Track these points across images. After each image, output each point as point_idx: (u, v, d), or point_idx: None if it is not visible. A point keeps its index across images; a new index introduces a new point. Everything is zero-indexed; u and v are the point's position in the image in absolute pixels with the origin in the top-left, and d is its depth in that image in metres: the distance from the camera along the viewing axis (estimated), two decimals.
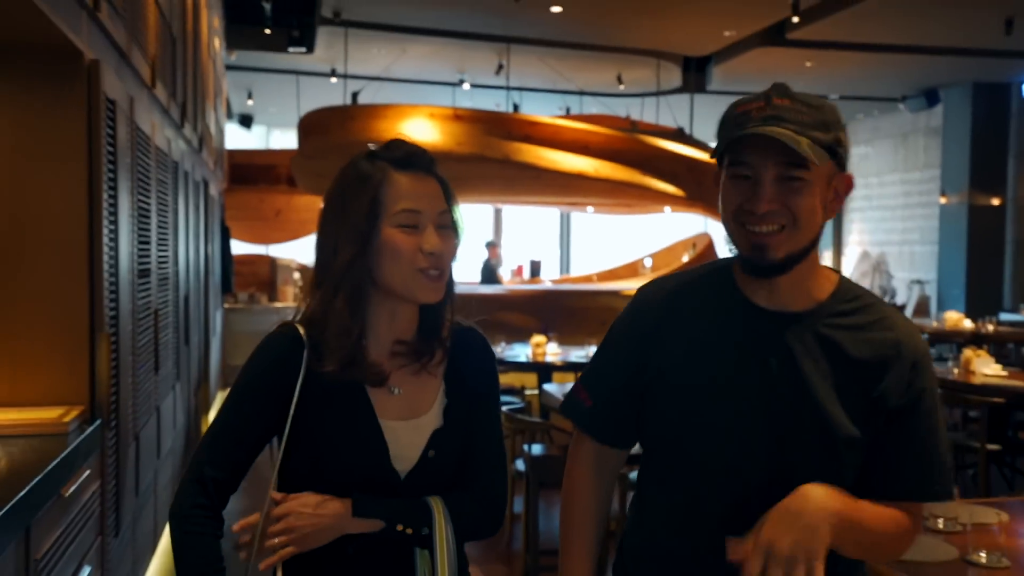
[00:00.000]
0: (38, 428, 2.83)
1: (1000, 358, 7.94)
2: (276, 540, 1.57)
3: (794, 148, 1.41)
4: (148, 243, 4.22)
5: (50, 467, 2.43)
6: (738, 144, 1.48)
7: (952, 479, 1.63)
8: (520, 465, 5.43)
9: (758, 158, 1.46)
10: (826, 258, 17.68)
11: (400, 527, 1.62)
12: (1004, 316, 11.78)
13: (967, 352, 6.78)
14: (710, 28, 11.02)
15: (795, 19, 9.75)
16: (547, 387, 6.24)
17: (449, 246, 1.63)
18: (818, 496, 1.39)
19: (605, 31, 11.42)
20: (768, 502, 1.45)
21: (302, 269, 13.04)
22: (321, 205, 1.68)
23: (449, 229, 1.64)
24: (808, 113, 1.47)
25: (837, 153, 1.49)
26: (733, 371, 1.57)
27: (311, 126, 10.92)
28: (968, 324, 10.10)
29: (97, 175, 3.24)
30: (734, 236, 1.54)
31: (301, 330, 1.65)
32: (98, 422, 3.00)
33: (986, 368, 6.59)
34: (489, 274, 13.89)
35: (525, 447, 5.36)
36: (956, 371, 6.74)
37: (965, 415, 7.63)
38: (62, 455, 2.57)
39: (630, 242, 17.97)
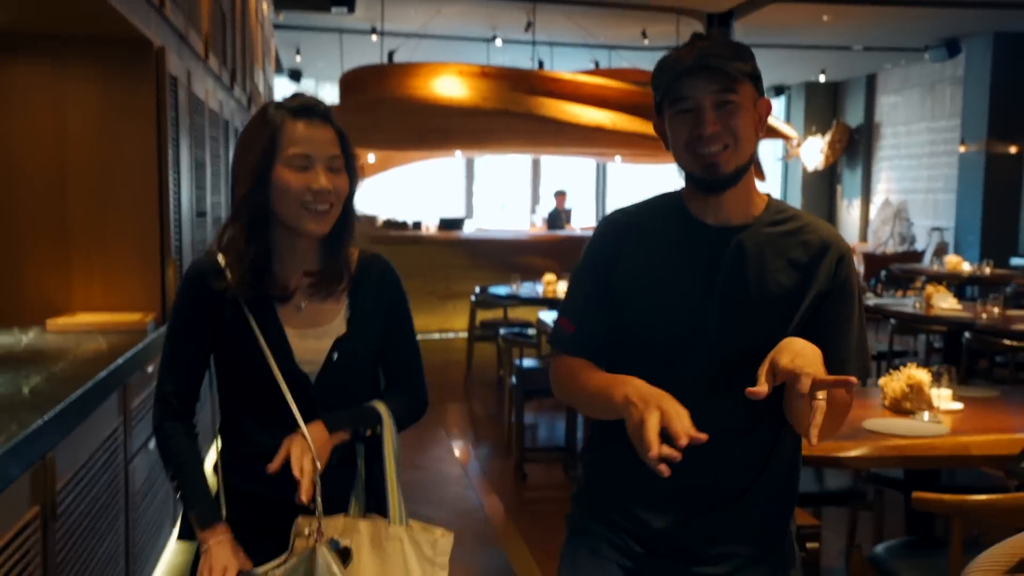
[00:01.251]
0: (126, 326, 3.40)
1: (1013, 299, 8.28)
2: (305, 483, 1.68)
3: (728, 72, 1.58)
4: (204, 189, 4.73)
5: (135, 350, 2.98)
6: (678, 83, 1.60)
7: (869, 363, 1.80)
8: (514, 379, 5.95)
9: (697, 92, 1.59)
10: (855, 206, 17.63)
11: (363, 430, 1.85)
12: (1015, 260, 12.02)
13: (928, 288, 7.18)
14: None
15: None
16: (542, 315, 6.75)
17: (338, 185, 1.74)
18: (802, 341, 1.52)
19: None
20: (724, 389, 1.63)
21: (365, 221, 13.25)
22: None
23: (340, 172, 1.75)
24: (727, 48, 1.63)
25: (756, 79, 1.66)
26: (689, 280, 1.69)
27: (350, 83, 11.08)
28: (967, 267, 10.41)
29: (164, 136, 3.77)
30: (686, 164, 1.67)
31: (220, 256, 1.78)
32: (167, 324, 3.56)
33: (943, 302, 6.96)
34: (555, 220, 14.00)
35: (516, 362, 6.00)
36: (918, 304, 7.15)
37: (930, 344, 8.01)
38: (143, 343, 3.11)
39: (663, 190, 17.66)
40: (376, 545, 1.78)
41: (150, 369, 3.27)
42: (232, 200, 1.79)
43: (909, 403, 3.33)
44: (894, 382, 3.42)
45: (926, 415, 3.28)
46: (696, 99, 1.59)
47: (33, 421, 2.16)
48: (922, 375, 3.35)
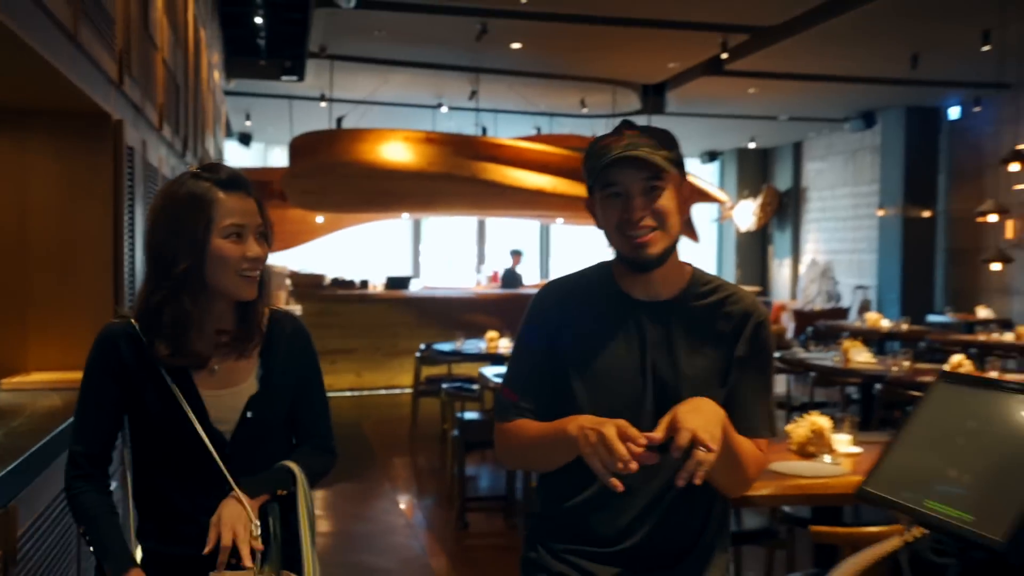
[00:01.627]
0: (79, 383, 3.37)
1: (927, 354, 8.43)
2: (244, 549, 1.65)
3: (655, 162, 1.62)
4: None
5: None
6: (608, 170, 1.65)
7: (775, 423, 1.83)
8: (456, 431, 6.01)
9: (626, 179, 1.63)
10: (786, 265, 17.93)
11: (280, 491, 1.79)
12: (932, 317, 12.21)
13: (846, 343, 7.40)
14: (656, 61, 11.29)
15: (724, 55, 10.13)
16: (483, 370, 6.73)
17: (265, 252, 1.77)
18: (710, 401, 1.56)
19: (563, 63, 11.62)
20: (662, 458, 1.56)
21: (292, 275, 13.01)
22: (154, 220, 1.77)
23: (264, 239, 1.77)
24: (654, 137, 1.68)
25: (680, 164, 1.71)
26: (624, 356, 1.71)
27: (300, 148, 11.04)
28: (885, 323, 10.65)
29: (120, 204, 3.77)
30: (616, 244, 1.71)
31: (134, 323, 1.74)
32: None
33: (859, 356, 7.19)
34: (511, 279, 14.06)
35: (458, 415, 6.05)
36: (836, 358, 7.35)
37: (847, 396, 8.14)
38: None
39: (603, 250, 17.34)
40: None
41: None
42: (164, 273, 1.72)
43: (812, 447, 3.52)
44: (799, 428, 3.60)
45: (827, 458, 3.45)
46: (625, 185, 1.64)
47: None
48: (823, 421, 3.58)
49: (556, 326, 1.77)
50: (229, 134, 15.74)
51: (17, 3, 2.51)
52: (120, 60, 3.79)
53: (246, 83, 12.73)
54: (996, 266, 10.85)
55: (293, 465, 1.81)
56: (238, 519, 1.66)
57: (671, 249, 1.69)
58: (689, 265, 1.80)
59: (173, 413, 1.72)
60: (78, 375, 3.39)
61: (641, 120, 9.92)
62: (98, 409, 1.79)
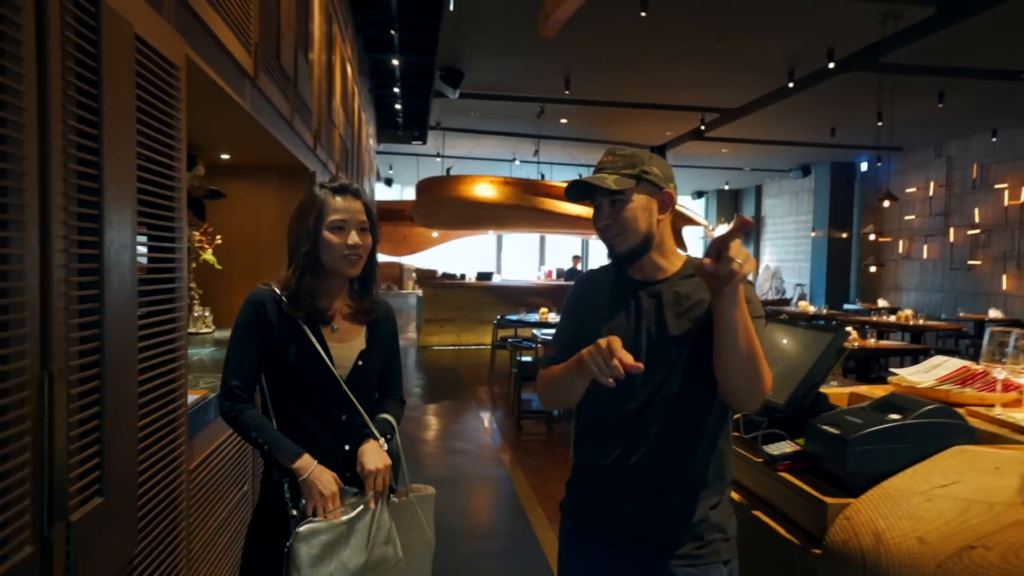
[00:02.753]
0: None
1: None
2: (380, 479, 1.60)
3: (604, 186, 1.41)
4: None
5: None
6: (580, 190, 1.49)
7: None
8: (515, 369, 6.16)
9: (598, 193, 1.45)
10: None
11: (387, 437, 1.69)
12: (847, 306, 12.09)
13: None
14: (657, 130, 11.34)
15: (702, 127, 10.22)
16: (535, 332, 6.94)
17: (366, 242, 1.63)
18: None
19: (595, 132, 11.68)
20: (655, 404, 1.42)
21: (417, 271, 13.10)
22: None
23: (366, 231, 1.63)
24: (619, 160, 1.45)
25: (645, 179, 1.44)
26: (624, 322, 1.49)
27: (422, 188, 11.17)
28: (812, 309, 10.56)
29: None
30: (602, 240, 1.52)
31: (277, 289, 1.64)
32: None
33: None
34: (571, 275, 13.65)
35: (518, 359, 6.32)
36: None
37: None
38: None
39: None
40: (399, 507, 1.68)
41: None
42: (293, 254, 1.66)
43: None
44: None
45: None
46: (598, 200, 1.48)
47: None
48: None
49: (585, 303, 1.60)
50: (378, 179, 16.01)
51: (264, 108, 2.86)
52: (315, 136, 4.13)
53: (390, 146, 13.01)
54: (872, 268, 10.97)
55: (391, 418, 1.73)
56: (383, 458, 1.62)
57: (640, 247, 1.47)
58: (686, 255, 1.56)
59: (309, 356, 1.61)
60: None
61: None
62: (250, 352, 1.64)
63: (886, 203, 9.57)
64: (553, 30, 3.58)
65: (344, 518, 1.48)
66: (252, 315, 1.64)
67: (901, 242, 12.25)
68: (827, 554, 1.38)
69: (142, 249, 1.59)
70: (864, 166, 13.40)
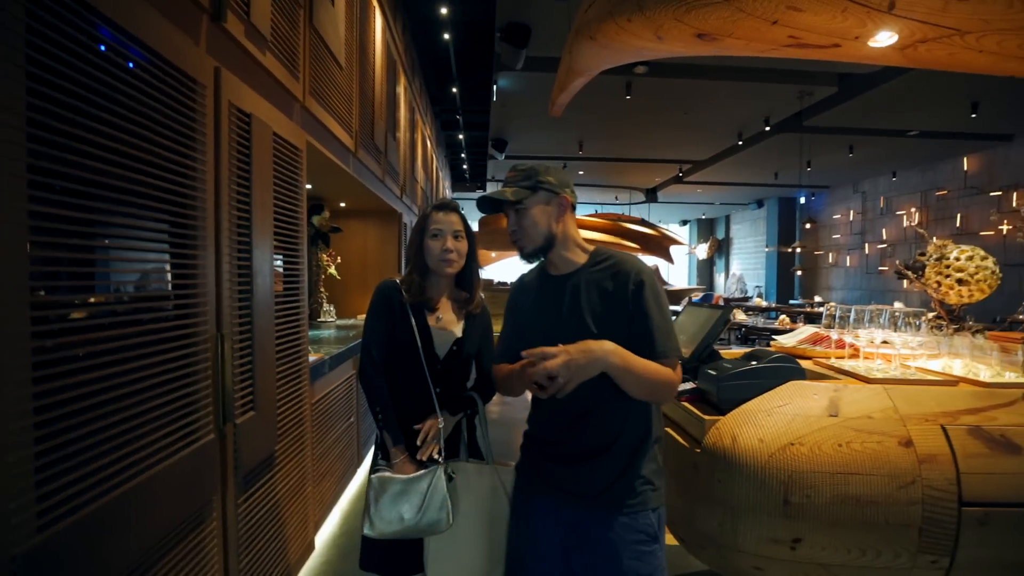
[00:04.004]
0: None
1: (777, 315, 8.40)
2: (429, 448, 1.38)
3: (502, 197, 1.20)
4: None
5: None
6: (488, 204, 1.24)
7: (674, 345, 1.16)
8: None
9: (505, 205, 1.22)
10: (722, 276, 16.82)
11: (469, 411, 1.47)
12: (792, 301, 11.71)
13: (736, 311, 7.39)
14: (648, 177, 11.10)
15: (680, 174, 10.06)
16: None
17: (460, 247, 1.42)
18: (605, 344, 1.08)
19: (604, 179, 11.45)
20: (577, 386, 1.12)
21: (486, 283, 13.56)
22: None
23: (462, 238, 1.43)
24: (518, 175, 1.23)
25: (540, 188, 1.21)
26: (543, 313, 1.24)
27: (484, 222, 10.16)
28: (764, 304, 10.42)
29: (400, 247, 4.21)
30: (513, 245, 1.26)
31: (399, 282, 1.45)
32: None
33: (739, 316, 7.20)
34: None
35: None
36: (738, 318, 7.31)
37: (738, 336, 7.71)
38: None
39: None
40: (477, 475, 1.39)
41: None
42: (409, 257, 1.49)
43: None
44: None
45: None
46: (505, 210, 1.24)
47: (352, 343, 2.61)
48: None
49: (516, 303, 1.34)
50: None
51: (363, 172, 3.11)
52: (401, 188, 4.30)
53: (461, 193, 13.02)
54: (799, 273, 10.60)
55: (475, 395, 1.49)
56: (433, 428, 1.40)
57: (544, 246, 1.22)
58: (595, 246, 1.29)
59: (414, 336, 1.41)
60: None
61: (642, 208, 9.47)
62: (381, 327, 1.44)
63: (808, 225, 9.95)
64: (558, 111, 3.72)
65: (408, 476, 1.33)
66: (383, 298, 1.46)
67: (830, 254, 11.85)
68: (704, 452, 1.46)
69: (277, 262, 1.83)
70: (802, 200, 12.91)
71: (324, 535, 2.36)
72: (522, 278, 1.39)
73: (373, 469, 1.39)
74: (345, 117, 2.66)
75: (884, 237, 10.27)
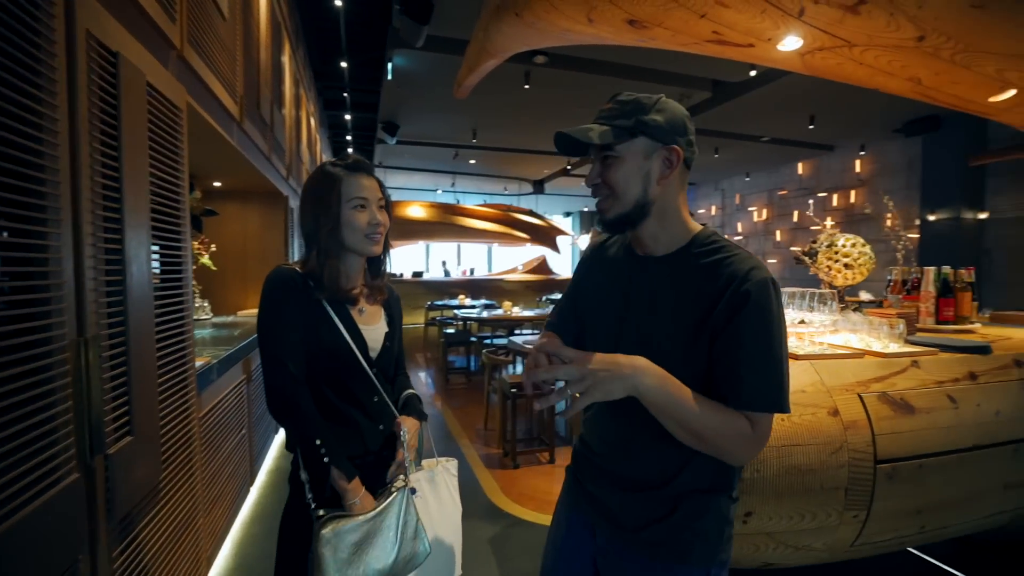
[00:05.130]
0: None
1: None
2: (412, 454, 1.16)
3: (577, 137, 0.86)
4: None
5: None
6: (568, 142, 0.89)
7: (771, 394, 0.81)
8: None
9: (592, 150, 0.91)
10: None
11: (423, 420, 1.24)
12: None
13: None
14: (538, 168, 11.15)
15: (569, 167, 10.29)
16: (457, 311, 6.66)
17: (386, 220, 1.16)
18: (642, 365, 0.79)
19: (494, 170, 11.37)
20: (631, 401, 0.84)
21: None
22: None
23: (383, 208, 1.16)
24: (616, 108, 0.90)
25: (642, 130, 0.87)
26: (608, 301, 0.96)
27: None
28: None
29: (286, 234, 3.82)
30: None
31: (299, 270, 1.13)
32: None
33: None
34: (446, 276, 13.25)
35: (445, 331, 6.03)
36: None
37: None
38: None
39: (514, 258, 16.66)
40: (429, 481, 1.22)
41: None
42: (313, 237, 1.14)
43: None
44: None
45: None
46: (591, 152, 0.93)
47: (240, 344, 2.32)
48: None
49: (583, 276, 1.06)
50: None
51: (248, 146, 2.69)
52: (287, 168, 3.88)
53: None
54: None
55: (414, 396, 1.27)
56: (414, 429, 1.19)
57: (632, 214, 0.90)
58: (702, 226, 0.95)
59: (342, 339, 1.12)
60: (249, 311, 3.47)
61: (529, 200, 9.64)
62: (294, 331, 1.09)
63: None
64: (464, 93, 3.56)
65: (371, 513, 1.04)
66: (285, 293, 1.10)
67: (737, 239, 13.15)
68: None
69: (156, 248, 1.48)
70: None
71: (218, 569, 2.02)
72: (602, 244, 1.07)
73: (316, 521, 1.02)
74: (229, 77, 2.26)
75: (739, 230, 11.63)
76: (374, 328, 1.21)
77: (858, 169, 8.48)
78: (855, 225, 8.43)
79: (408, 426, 1.18)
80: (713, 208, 12.49)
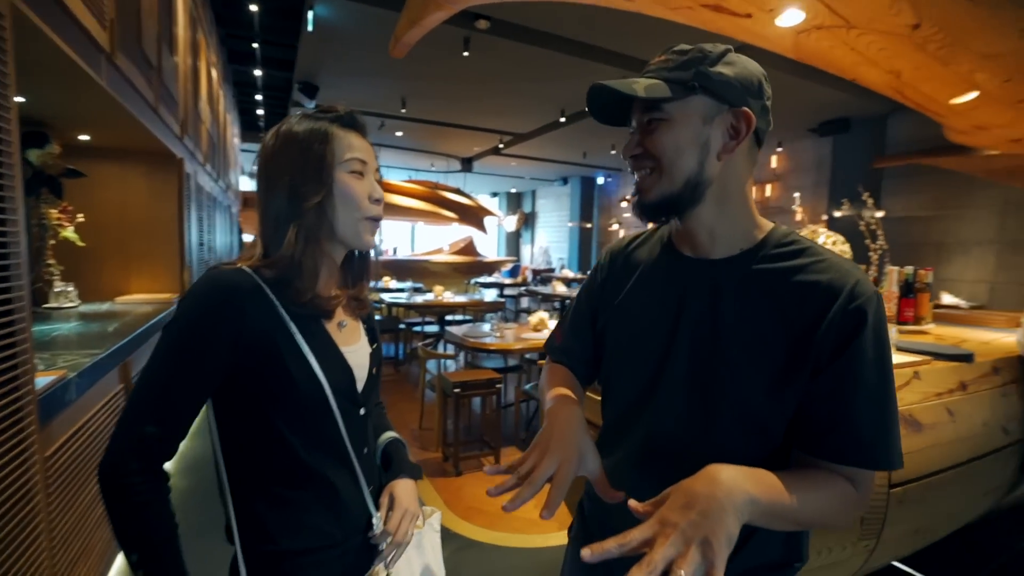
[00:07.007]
0: (162, 299, 2.97)
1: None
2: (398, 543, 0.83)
3: (618, 89, 0.66)
4: (203, 232, 4.18)
5: (164, 313, 2.57)
6: (603, 98, 0.70)
7: (894, 446, 0.63)
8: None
9: (634, 110, 0.71)
10: (529, 247, 17.32)
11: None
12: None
13: (556, 282, 7.73)
14: (468, 145, 10.86)
15: (500, 146, 10.05)
16: (381, 294, 6.34)
17: (383, 199, 0.83)
18: (727, 480, 0.55)
19: (422, 144, 10.95)
20: (696, 434, 0.68)
21: None
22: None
23: (380, 184, 0.83)
24: (671, 59, 0.69)
25: (703, 85, 0.67)
26: (657, 314, 0.74)
27: (246, 197, 10.20)
28: (569, 274, 10.99)
29: (181, 205, 3.35)
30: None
31: (253, 271, 0.75)
32: None
33: (560, 288, 7.44)
34: (396, 253, 13.05)
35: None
36: (553, 290, 7.53)
37: (554, 305, 8.03)
38: (170, 308, 2.87)
39: (440, 239, 16.99)
40: (417, 546, 0.88)
41: None
42: (285, 215, 0.77)
43: (541, 326, 3.59)
44: (533, 318, 3.64)
45: (546, 331, 3.47)
46: (631, 119, 0.72)
47: (118, 343, 1.88)
48: (544, 315, 3.68)
49: (603, 281, 0.85)
50: (243, 173, 13.86)
51: (124, 89, 2.18)
52: (182, 126, 3.34)
53: (252, 144, 11.06)
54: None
55: (397, 439, 0.95)
56: (415, 501, 0.85)
57: (680, 196, 0.69)
58: (772, 223, 0.74)
59: (328, 368, 0.77)
60: (161, 296, 3.08)
61: (457, 178, 9.45)
62: (199, 378, 0.71)
63: (624, 204, 10.21)
64: (402, 51, 3.11)
65: None
66: (215, 316, 0.70)
67: (622, 231, 13.33)
68: None
69: None
70: (600, 180, 14.23)
71: None
72: (628, 244, 0.85)
73: None
74: None
75: None
76: (357, 349, 0.86)
77: (774, 165, 8.89)
78: (769, 217, 8.85)
79: (400, 498, 0.82)
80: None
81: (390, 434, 0.93)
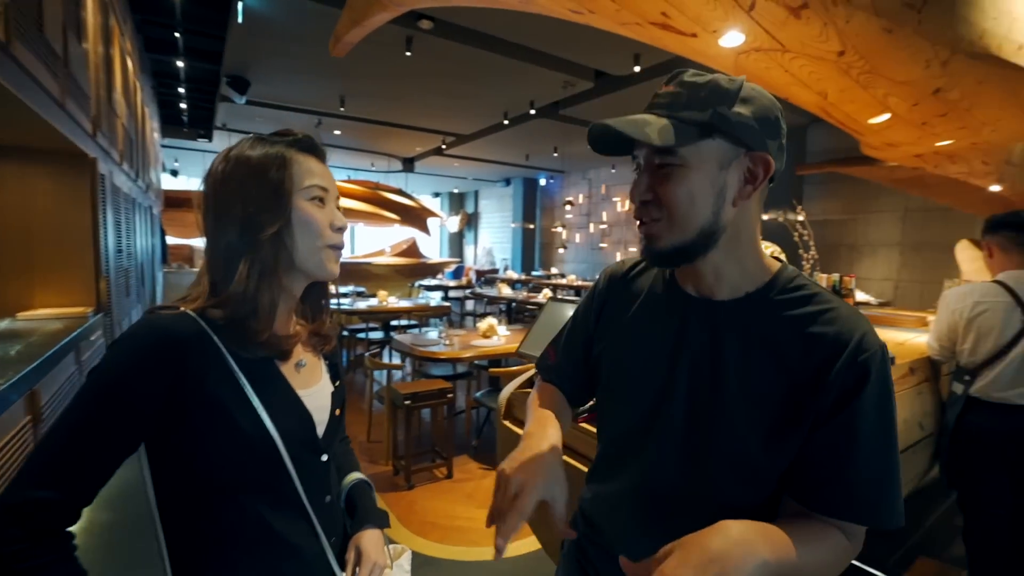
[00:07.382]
0: (74, 315, 2.76)
1: (533, 289, 8.79)
2: None
3: (629, 133, 0.62)
4: (120, 237, 3.93)
5: (82, 327, 2.42)
6: (609, 140, 0.66)
7: (890, 505, 0.60)
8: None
9: (641, 149, 0.66)
10: (471, 248, 17.29)
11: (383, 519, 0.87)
12: (535, 272, 12.76)
13: (500, 284, 7.71)
14: (410, 145, 10.64)
15: (443, 146, 9.93)
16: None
17: (346, 227, 0.78)
18: (742, 540, 0.53)
19: (361, 143, 10.67)
20: (691, 480, 0.66)
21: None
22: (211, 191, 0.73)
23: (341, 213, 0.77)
24: (683, 92, 0.64)
25: (721, 127, 0.63)
26: (655, 353, 0.71)
27: (170, 199, 9.61)
28: (513, 275, 11.17)
29: (96, 208, 3.09)
30: (638, 228, 0.68)
31: (197, 314, 0.68)
32: (100, 314, 2.91)
33: (505, 290, 7.46)
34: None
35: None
36: (498, 292, 7.51)
37: (500, 308, 7.87)
38: (86, 324, 2.53)
39: (379, 240, 16.56)
40: None
41: (92, 337, 2.60)
42: (237, 248, 0.70)
43: (489, 333, 3.58)
44: (482, 324, 3.63)
45: (496, 338, 3.51)
46: (639, 159, 0.67)
47: (23, 370, 1.69)
48: (492, 320, 3.64)
49: (602, 305, 0.81)
50: (164, 170, 12.90)
51: (23, 82, 1.95)
52: (94, 122, 3.04)
53: (175, 140, 10.49)
54: (561, 250, 11.89)
55: (365, 478, 0.91)
56: (383, 553, 0.79)
57: (693, 245, 0.66)
58: (778, 263, 0.71)
59: (280, 417, 0.70)
60: (70, 310, 2.81)
61: (398, 178, 9.29)
62: (115, 439, 0.63)
63: (568, 207, 10.53)
64: (343, 51, 2.98)
65: None
66: (146, 369, 0.62)
67: (564, 231, 13.55)
68: None
69: None
70: (543, 181, 14.40)
71: None
72: (629, 269, 0.82)
73: None
74: None
75: (604, 219, 12.25)
76: (317, 391, 0.79)
77: None
78: None
79: (368, 551, 0.77)
80: (580, 196, 12.99)
81: (355, 475, 0.88)
